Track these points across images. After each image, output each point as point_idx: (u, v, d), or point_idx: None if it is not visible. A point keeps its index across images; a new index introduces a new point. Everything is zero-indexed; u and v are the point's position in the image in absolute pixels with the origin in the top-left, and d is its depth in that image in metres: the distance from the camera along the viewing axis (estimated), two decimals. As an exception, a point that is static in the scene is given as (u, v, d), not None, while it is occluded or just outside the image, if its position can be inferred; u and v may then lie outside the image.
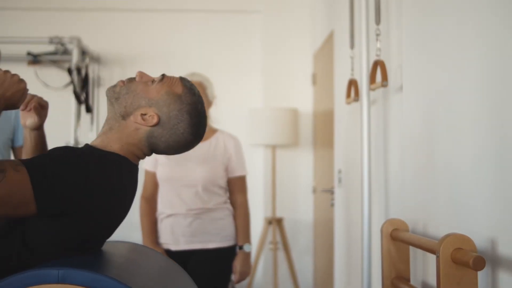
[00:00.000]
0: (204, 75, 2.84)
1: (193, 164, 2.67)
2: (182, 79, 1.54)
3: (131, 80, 1.52)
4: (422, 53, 1.90)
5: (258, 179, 4.37)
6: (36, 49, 4.24)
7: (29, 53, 4.21)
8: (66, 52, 4.22)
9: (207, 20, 4.58)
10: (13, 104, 1.44)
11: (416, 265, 1.89)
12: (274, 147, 4.29)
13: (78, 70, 4.08)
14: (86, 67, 4.20)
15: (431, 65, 1.82)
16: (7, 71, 1.44)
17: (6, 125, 2.60)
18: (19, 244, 1.37)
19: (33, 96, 1.64)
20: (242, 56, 4.57)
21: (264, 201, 4.39)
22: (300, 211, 4.46)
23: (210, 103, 2.78)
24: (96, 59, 4.43)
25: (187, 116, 1.49)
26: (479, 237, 1.44)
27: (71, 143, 4.00)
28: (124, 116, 1.49)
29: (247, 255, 2.74)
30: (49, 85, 3.89)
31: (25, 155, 1.68)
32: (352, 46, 2.74)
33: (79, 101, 4.13)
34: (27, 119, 1.64)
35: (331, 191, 3.53)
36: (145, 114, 1.47)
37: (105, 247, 1.54)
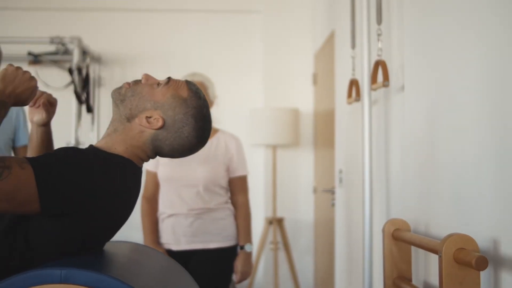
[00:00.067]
0: (205, 75, 2.84)
1: (194, 164, 2.67)
2: (188, 82, 1.54)
3: (136, 82, 1.52)
4: (424, 53, 1.90)
5: (259, 179, 4.36)
6: (37, 49, 4.25)
7: (30, 53, 4.21)
8: (67, 52, 4.22)
9: (208, 20, 4.59)
10: (23, 101, 1.45)
11: (417, 265, 1.89)
12: (274, 147, 4.29)
13: (79, 70, 4.09)
14: (87, 67, 4.20)
15: (433, 65, 1.82)
16: (19, 68, 1.44)
17: (7, 125, 2.60)
18: (22, 244, 1.37)
19: (43, 92, 1.64)
20: (243, 56, 4.57)
21: (265, 201, 4.39)
22: (300, 211, 4.46)
23: (211, 103, 2.78)
24: (97, 59, 4.44)
25: (192, 120, 1.49)
26: (481, 237, 1.44)
27: (72, 143, 4.00)
28: (129, 118, 1.49)
29: (248, 255, 2.74)
30: (50, 85, 3.89)
31: (31, 150, 1.68)
32: (353, 46, 2.74)
33: (80, 101, 4.13)
34: (35, 115, 1.65)
35: (331, 191, 3.53)
36: (150, 117, 1.47)
37: (107, 247, 1.54)
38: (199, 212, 2.67)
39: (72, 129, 4.10)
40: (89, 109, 4.20)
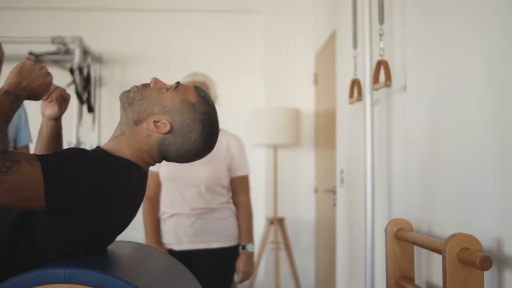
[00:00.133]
0: (207, 75, 2.84)
1: (196, 164, 2.64)
2: (196, 88, 1.54)
3: (145, 86, 1.52)
4: (426, 52, 1.90)
5: (260, 179, 4.36)
6: (38, 49, 4.24)
7: (31, 53, 4.21)
8: (68, 52, 4.22)
9: (208, 20, 4.59)
10: (36, 96, 1.46)
11: (420, 265, 1.89)
12: (275, 147, 4.29)
13: (80, 70, 4.09)
14: (88, 67, 4.20)
15: (435, 65, 1.82)
16: (36, 63, 1.45)
17: (9, 126, 2.60)
18: (26, 243, 1.37)
19: (56, 87, 1.64)
20: (244, 56, 4.57)
21: (266, 201, 4.39)
22: (301, 211, 4.46)
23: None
24: (98, 59, 4.44)
25: (200, 126, 1.49)
26: (485, 237, 1.44)
27: (73, 143, 4.00)
28: (137, 122, 1.49)
29: (250, 255, 2.74)
30: (51, 85, 3.89)
31: (40, 143, 1.68)
32: (355, 46, 2.74)
33: (81, 101, 4.13)
34: (47, 109, 1.65)
35: (333, 191, 3.53)
36: (158, 121, 1.47)
37: (110, 247, 1.54)
38: (201, 212, 2.67)
39: (73, 129, 4.10)
40: (90, 109, 4.20)
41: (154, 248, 1.88)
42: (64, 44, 4.18)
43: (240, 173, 2.77)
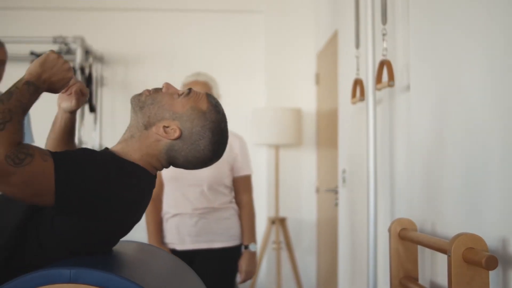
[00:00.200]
0: (210, 74, 2.84)
1: (199, 164, 2.66)
2: (208, 95, 1.53)
3: (157, 90, 1.52)
4: (429, 52, 1.90)
5: (262, 179, 4.37)
6: (40, 48, 4.23)
7: (32, 53, 4.20)
8: (69, 51, 4.21)
9: (210, 20, 4.59)
10: (55, 90, 1.46)
11: (424, 265, 1.89)
12: (277, 147, 4.29)
13: (82, 69, 4.08)
14: (90, 67, 4.20)
15: (438, 64, 1.82)
16: (60, 57, 1.45)
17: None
18: (33, 242, 1.37)
19: (77, 81, 1.64)
20: (245, 56, 4.57)
21: (267, 201, 4.39)
22: (303, 210, 4.46)
23: (215, 103, 2.77)
24: (100, 59, 4.44)
25: (209, 134, 1.48)
26: (490, 237, 1.44)
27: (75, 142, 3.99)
28: (147, 126, 1.48)
29: (253, 254, 2.74)
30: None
31: (52, 133, 1.68)
32: (357, 45, 2.74)
33: (82, 100, 4.13)
34: (64, 101, 1.64)
35: (335, 191, 3.53)
36: (167, 127, 1.47)
37: (114, 247, 1.54)
38: (203, 211, 2.67)
39: (75, 129, 4.09)
40: (92, 109, 4.20)
41: (157, 247, 1.88)
42: (66, 44, 4.18)
43: (243, 172, 2.77)
